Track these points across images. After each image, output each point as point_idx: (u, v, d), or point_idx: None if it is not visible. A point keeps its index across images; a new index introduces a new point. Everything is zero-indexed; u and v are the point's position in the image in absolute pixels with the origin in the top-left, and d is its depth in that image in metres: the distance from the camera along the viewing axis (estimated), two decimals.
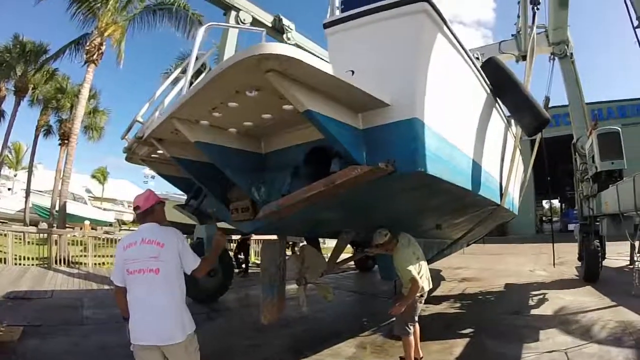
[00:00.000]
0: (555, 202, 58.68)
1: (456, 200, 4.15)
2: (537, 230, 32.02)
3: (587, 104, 11.29)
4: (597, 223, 9.77)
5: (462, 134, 3.61)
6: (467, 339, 5.48)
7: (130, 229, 31.03)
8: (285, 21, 8.58)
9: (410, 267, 4.16)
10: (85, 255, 11.95)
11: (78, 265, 11.44)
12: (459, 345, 5.20)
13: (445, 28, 2.87)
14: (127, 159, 5.03)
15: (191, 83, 3.50)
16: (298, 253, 4.77)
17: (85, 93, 13.67)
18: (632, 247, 10.21)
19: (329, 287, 4.67)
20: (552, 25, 10.16)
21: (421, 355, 4.55)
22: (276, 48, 1.97)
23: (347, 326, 6.22)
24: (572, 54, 10.85)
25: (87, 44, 13.64)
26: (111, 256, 12.46)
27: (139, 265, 2.49)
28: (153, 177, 40.31)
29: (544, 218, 48.81)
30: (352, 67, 2.45)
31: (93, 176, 46.86)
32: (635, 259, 8.55)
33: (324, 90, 2.37)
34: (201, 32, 3.90)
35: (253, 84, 2.29)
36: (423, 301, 4.44)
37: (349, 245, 6.03)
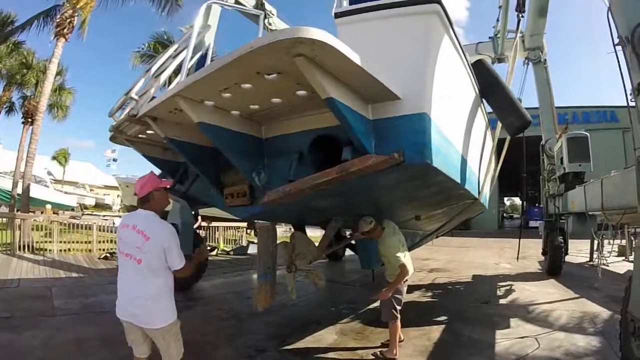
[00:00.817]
0: (516, 200, 61.42)
1: (444, 192, 4.33)
2: (499, 226, 33.48)
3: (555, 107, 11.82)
4: (562, 220, 10.35)
5: (455, 131, 3.76)
6: (443, 326, 5.72)
7: (93, 213, 30.02)
8: (268, 5, 8.47)
9: (399, 254, 4.36)
10: (50, 242, 11.47)
11: (43, 251, 10.98)
12: (435, 332, 5.43)
13: (450, 30, 3.02)
14: (111, 138, 4.87)
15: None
16: (289, 240, 4.80)
17: (53, 69, 12.95)
18: (594, 244, 10.92)
19: (320, 274, 4.74)
20: (529, 32, 10.52)
21: (402, 339, 4.74)
22: (312, 33, 1.98)
23: (325, 314, 6.33)
24: (545, 59, 11.32)
25: (58, 16, 12.95)
26: (77, 242, 12.07)
27: (126, 249, 2.57)
28: (115, 160, 38.89)
29: (505, 214, 50.97)
30: (362, 59, 2.51)
31: (54, 158, 44.66)
32: (597, 255, 9.15)
33: (344, 79, 2.44)
34: (203, 9, 3.84)
35: (277, 67, 2.31)
36: (407, 286, 4.64)
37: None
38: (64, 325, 5.14)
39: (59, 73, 18.22)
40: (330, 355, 4.54)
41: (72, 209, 27.80)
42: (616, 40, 4.11)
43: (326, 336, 5.19)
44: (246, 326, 5.51)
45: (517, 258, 10.72)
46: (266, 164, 3.49)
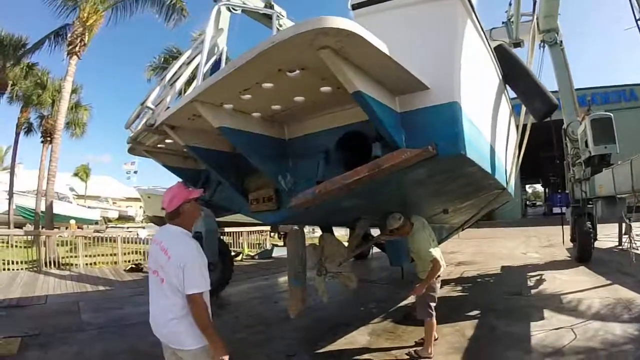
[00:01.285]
0: (538, 187, 60.46)
1: (474, 182, 4.22)
2: (522, 214, 32.88)
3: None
4: (590, 205, 10.05)
5: (483, 119, 3.64)
6: (476, 320, 5.61)
7: (117, 225, 30.47)
8: (277, 7, 8.41)
9: (431, 249, 4.27)
10: (75, 256, 11.58)
11: (69, 266, 11.08)
12: (468, 327, 5.33)
13: (473, 15, 2.91)
14: (130, 150, 4.86)
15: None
16: (318, 242, 4.72)
17: (68, 87, 13.08)
18: (623, 227, 10.59)
19: (351, 275, 4.63)
20: (543, 14, 10.30)
21: (436, 337, 4.63)
22: (338, 22, 1.87)
23: (355, 314, 6.23)
24: (561, 41, 11.07)
25: (69, 34, 13.10)
26: (102, 255, 12.18)
27: (154, 266, 2.43)
28: (135, 172, 39.49)
29: (527, 202, 50.22)
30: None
31: (75, 174, 45.59)
32: (627, 239, 8.86)
33: (371, 71, 2.33)
34: (214, 13, 3.78)
35: (300, 62, 2.21)
36: (440, 282, 4.52)
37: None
38: (93, 340, 5.14)
39: (74, 91, 18.49)
40: (364, 356, 4.45)
41: (96, 223, 28.24)
42: (638, 16, 3.94)
43: (358, 337, 5.10)
44: (275, 331, 5.44)
45: (563, 241, 10.56)
46: (291, 166, 3.40)
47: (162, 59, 18.70)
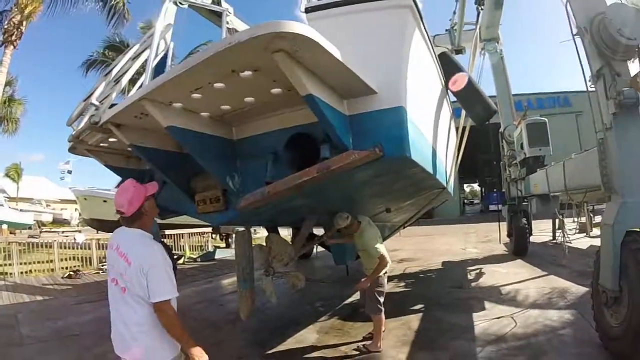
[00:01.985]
0: (475, 186, 64.08)
1: (417, 183, 4.40)
2: (461, 212, 34.70)
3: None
4: (525, 203, 10.80)
5: (426, 122, 3.82)
6: (421, 314, 5.85)
7: (52, 230, 28.47)
8: (224, 3, 8.25)
9: (378, 245, 4.46)
10: (9, 264, 10.77)
11: (3, 275, 10.34)
12: (414, 320, 5.55)
13: (421, 24, 3.05)
14: (70, 149, 4.59)
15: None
16: (265, 243, 4.71)
17: (2, 79, 12.10)
18: (556, 222, 11.48)
19: (299, 274, 4.68)
20: (485, 23, 10.88)
21: (383, 329, 4.78)
22: (294, 27, 1.92)
23: (302, 313, 6.33)
24: (501, 50, 11.78)
25: (5, 22, 12.17)
26: (38, 262, 11.44)
27: (112, 274, 2.18)
28: (70, 172, 36.93)
29: (465, 201, 53.00)
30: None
31: (6, 174, 41.98)
32: (560, 233, 9.63)
33: (323, 75, 2.39)
34: (165, 7, 3.67)
35: (254, 64, 2.22)
36: (386, 278, 4.69)
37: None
38: (34, 354, 4.87)
39: (8, 83, 17.13)
40: (314, 354, 4.54)
41: (30, 227, 26.32)
42: (575, 31, 4.33)
43: (307, 336, 5.18)
44: (225, 335, 5.41)
45: (500, 240, 11.01)
46: (239, 167, 3.38)
47: (102, 53, 17.75)
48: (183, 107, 2.89)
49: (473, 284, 7.82)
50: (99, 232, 15.49)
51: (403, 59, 2.78)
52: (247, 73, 2.30)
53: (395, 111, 2.70)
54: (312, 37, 1.99)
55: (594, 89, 4.25)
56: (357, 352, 4.47)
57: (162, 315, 2.08)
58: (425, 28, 3.21)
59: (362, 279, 4.55)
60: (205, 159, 3.11)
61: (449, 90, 4.79)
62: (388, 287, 7.56)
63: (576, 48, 4.36)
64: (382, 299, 4.56)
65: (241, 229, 4.61)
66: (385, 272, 4.65)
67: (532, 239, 11.43)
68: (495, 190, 25.54)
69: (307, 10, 2.81)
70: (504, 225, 12.00)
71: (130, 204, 2.17)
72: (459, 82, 4.50)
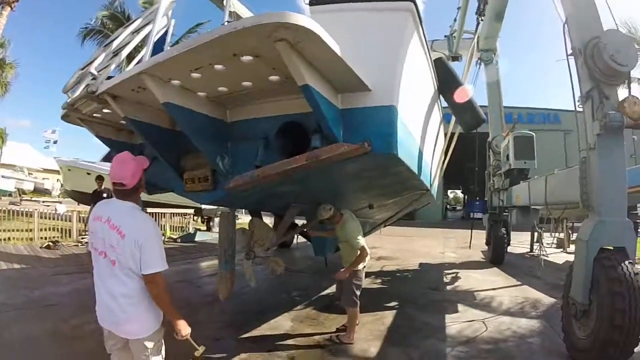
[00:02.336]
0: (459, 192, 64.92)
1: (402, 181, 4.50)
2: (443, 216, 35.24)
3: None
4: (506, 213, 11.04)
5: (415, 124, 3.91)
6: (395, 311, 5.96)
7: (32, 199, 27.98)
8: None
9: (359, 237, 4.55)
10: None
11: None
12: (388, 317, 5.66)
13: (420, 28, 3.13)
14: (64, 116, 4.57)
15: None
16: (247, 227, 4.77)
17: None
18: (535, 235, 11.73)
19: (279, 260, 4.76)
20: (484, 34, 11.03)
21: (357, 322, 4.90)
22: (298, 18, 1.99)
23: (279, 301, 6.40)
24: (497, 61, 11.95)
25: None
26: (17, 230, 11.32)
27: (100, 246, 2.17)
28: (55, 142, 36.16)
29: (448, 206, 53.75)
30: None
31: None
32: (538, 246, 9.88)
33: (321, 68, 2.47)
34: None
35: (256, 50, 2.29)
36: (364, 273, 4.81)
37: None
38: (10, 322, 4.85)
39: (0, 45, 16.74)
40: (287, 342, 4.61)
41: (10, 194, 25.83)
42: (569, 51, 4.46)
43: (282, 323, 5.26)
44: (201, 316, 5.44)
45: (470, 246, 11.23)
46: (230, 148, 3.44)
47: (100, 22, 17.44)
48: (181, 85, 2.93)
49: (448, 287, 7.99)
50: (79, 204, 15.28)
51: (399, 60, 2.85)
52: (248, 58, 2.37)
53: (386, 109, 2.79)
54: (315, 31, 2.07)
55: (581, 109, 4.39)
56: (330, 343, 4.57)
57: (154, 287, 2.13)
58: (424, 33, 3.30)
59: (341, 269, 4.65)
60: (198, 138, 3.16)
61: (440, 95, 4.90)
62: (365, 282, 7.75)
63: (569, 68, 4.50)
64: (358, 293, 4.66)
65: (226, 210, 4.65)
66: (364, 267, 4.76)
67: (510, 249, 11.71)
68: (477, 198, 26.05)
69: (312, 3, 2.87)
70: (476, 233, 12.22)
71: (133, 176, 2.20)
72: (463, 94, 4.62)
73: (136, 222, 2.17)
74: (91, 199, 9.26)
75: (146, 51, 3.63)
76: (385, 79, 2.81)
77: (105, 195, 8.64)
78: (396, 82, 2.85)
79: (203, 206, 13.83)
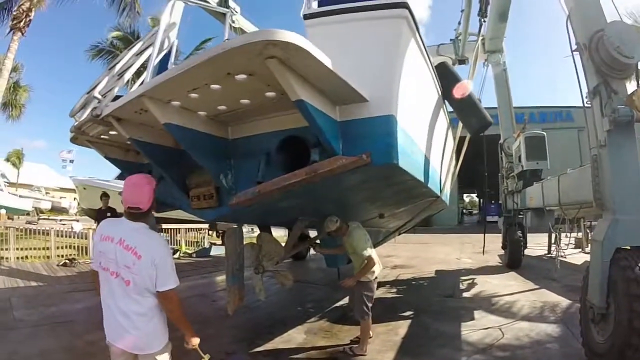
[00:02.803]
0: (475, 196, 63.96)
1: (408, 190, 4.46)
2: (459, 221, 34.68)
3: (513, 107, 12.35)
4: (521, 216, 10.83)
5: (419, 131, 3.88)
6: (409, 320, 5.88)
7: (49, 217, 28.54)
8: (232, 2, 8.32)
9: (366, 247, 4.53)
10: (5, 249, 10.85)
11: None
12: (402, 326, 5.58)
13: (417, 34, 3.12)
14: (72, 139, 4.68)
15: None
16: (255, 241, 4.79)
17: (8, 65, 12.18)
18: (551, 237, 11.47)
19: (288, 274, 4.76)
20: (489, 35, 10.97)
21: (371, 335, 4.83)
22: (286, 35, 2.00)
23: (292, 314, 6.39)
24: (504, 62, 11.83)
25: (15, 8, 12.24)
26: (34, 249, 11.49)
27: (113, 267, 2.20)
28: (72, 161, 37.17)
29: (464, 210, 52.97)
30: (331, 61, 2.56)
31: (7, 159, 42.09)
32: (555, 248, 9.66)
33: (314, 82, 2.47)
34: (170, 5, 3.75)
35: (248, 69, 2.31)
36: (376, 283, 4.75)
37: None
38: (27, 338, 4.92)
39: (14, 69, 17.26)
40: (300, 355, 4.57)
41: (28, 214, 26.41)
42: (574, 47, 4.36)
43: (295, 336, 5.22)
44: (213, 330, 5.44)
45: (483, 252, 11.09)
46: (233, 166, 3.46)
47: (110, 43, 17.86)
48: (181, 105, 2.96)
49: (464, 293, 7.87)
50: (96, 222, 15.54)
51: (396, 68, 2.84)
52: (242, 76, 2.39)
53: (385, 119, 2.78)
54: (303, 46, 2.08)
55: (590, 106, 4.27)
56: (343, 354, 4.52)
57: (169, 302, 2.24)
58: (421, 38, 3.28)
59: (346, 278, 4.63)
60: (200, 156, 3.18)
61: (445, 101, 4.86)
62: (379, 292, 7.69)
63: (574, 64, 4.38)
64: (370, 304, 4.61)
65: (234, 226, 4.68)
66: (376, 278, 4.71)
67: (527, 252, 11.45)
68: (492, 202, 25.73)
69: (306, 17, 2.88)
70: (494, 237, 11.99)
71: (149, 200, 2.26)
72: (462, 89, 4.57)
73: (151, 243, 2.24)
74: (96, 217, 9.24)
75: (147, 74, 3.70)
76: (382, 88, 2.80)
77: (109, 214, 8.60)
78: (394, 90, 2.83)
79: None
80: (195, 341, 2.39)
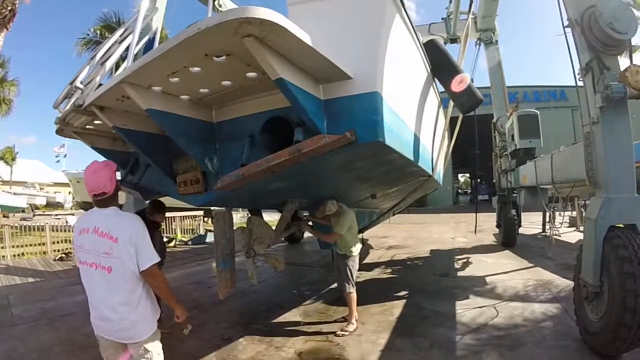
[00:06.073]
0: (467, 176, 64.33)
1: (398, 169, 4.43)
2: (454, 201, 34.90)
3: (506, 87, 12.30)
4: (515, 194, 10.86)
5: (407, 109, 3.83)
6: (404, 300, 5.93)
7: (45, 213, 28.48)
8: None
9: (345, 228, 4.75)
10: (1, 247, 10.86)
11: None
12: (397, 307, 5.62)
13: (402, 10, 3.05)
14: (57, 131, 4.61)
15: None
16: (246, 225, 4.78)
17: None
18: (546, 215, 11.53)
19: (279, 257, 4.76)
20: (481, 14, 10.88)
21: (356, 317, 4.92)
22: (261, 12, 1.93)
23: (287, 297, 6.45)
24: (497, 40, 11.74)
25: None
26: (30, 245, 11.53)
27: (91, 259, 2.21)
28: (65, 155, 37.06)
29: (459, 190, 53.24)
30: (314, 39, 2.50)
31: (0, 157, 41.80)
32: (549, 226, 9.71)
33: (295, 60, 2.40)
34: None
35: (226, 49, 2.23)
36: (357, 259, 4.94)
37: None
38: (26, 334, 4.96)
39: (0, 65, 16.96)
40: (296, 337, 4.62)
41: (23, 210, 26.31)
42: (566, 23, 4.30)
43: (290, 318, 5.30)
44: (210, 316, 5.50)
45: (475, 231, 11.17)
46: (218, 149, 3.41)
47: (98, 31, 17.56)
48: (162, 90, 2.90)
49: (459, 273, 7.93)
50: None
51: (380, 45, 2.77)
52: (221, 57, 2.32)
53: (369, 96, 2.72)
54: (280, 23, 2.01)
55: (582, 83, 4.23)
56: (338, 336, 4.56)
57: (154, 279, 2.29)
58: (407, 15, 3.21)
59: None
60: (184, 141, 3.12)
61: (435, 79, 4.80)
62: (374, 273, 7.84)
63: (566, 40, 4.34)
64: (353, 277, 4.76)
65: (222, 210, 4.64)
66: (359, 253, 4.92)
67: (522, 230, 11.52)
68: (481, 181, 25.93)
69: None
70: (488, 216, 11.99)
71: (111, 181, 2.29)
72: (461, 82, 4.52)
73: (124, 223, 2.25)
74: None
75: (127, 60, 3.63)
76: (366, 65, 2.73)
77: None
78: (379, 67, 2.77)
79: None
80: (184, 315, 2.50)
